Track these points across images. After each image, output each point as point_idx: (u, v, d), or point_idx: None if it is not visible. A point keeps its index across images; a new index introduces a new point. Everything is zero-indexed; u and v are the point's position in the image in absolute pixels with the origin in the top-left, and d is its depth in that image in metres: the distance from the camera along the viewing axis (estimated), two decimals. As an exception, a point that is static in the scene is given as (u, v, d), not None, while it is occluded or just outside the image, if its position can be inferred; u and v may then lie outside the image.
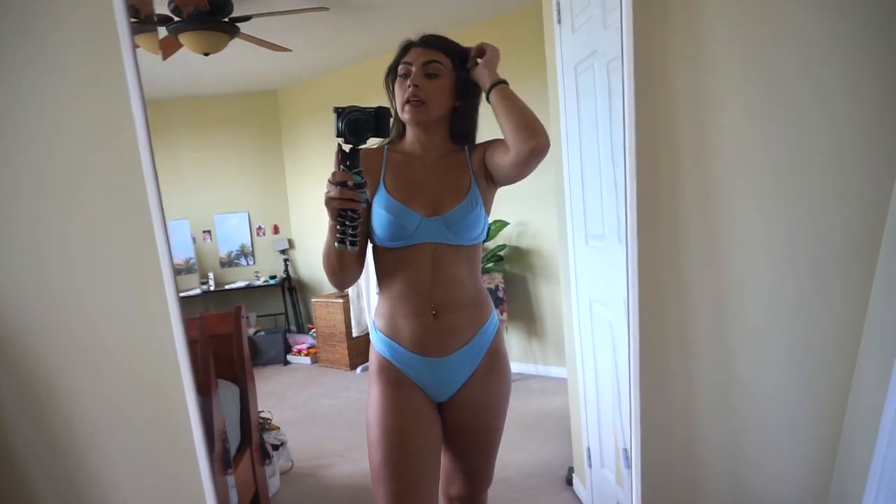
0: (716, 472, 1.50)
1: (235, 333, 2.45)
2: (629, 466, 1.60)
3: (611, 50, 1.57)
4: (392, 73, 1.37)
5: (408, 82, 1.30)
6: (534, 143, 1.18)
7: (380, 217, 1.29)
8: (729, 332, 1.44)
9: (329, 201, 1.12)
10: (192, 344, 2.23)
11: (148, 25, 2.88)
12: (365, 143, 1.12)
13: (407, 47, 1.36)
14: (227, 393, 2.40)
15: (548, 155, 1.22)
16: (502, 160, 1.27)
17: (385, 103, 1.26)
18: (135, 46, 1.27)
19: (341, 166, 1.12)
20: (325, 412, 3.84)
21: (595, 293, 1.95)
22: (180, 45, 3.09)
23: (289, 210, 5.88)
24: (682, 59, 1.39)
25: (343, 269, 1.28)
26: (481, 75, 1.31)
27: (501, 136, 1.30)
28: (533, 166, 1.23)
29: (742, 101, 1.37)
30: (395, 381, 1.34)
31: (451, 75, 1.32)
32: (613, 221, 1.70)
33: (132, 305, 1.38)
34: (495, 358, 1.39)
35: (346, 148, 1.12)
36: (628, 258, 1.35)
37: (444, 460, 1.44)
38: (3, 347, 1.35)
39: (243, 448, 2.45)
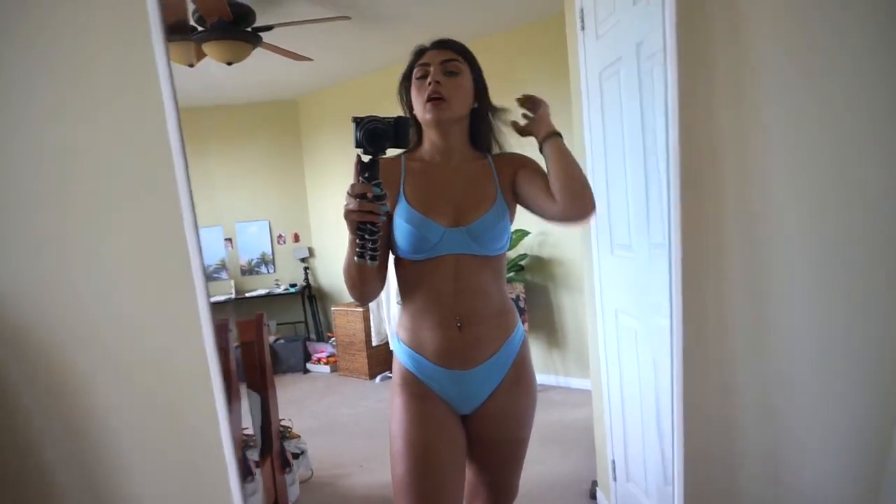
0: (757, 488, 1.44)
1: (257, 341, 2.44)
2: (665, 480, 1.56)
3: (649, 44, 1.54)
4: (406, 81, 1.35)
5: (428, 80, 1.28)
6: (582, 207, 1.23)
7: (401, 229, 1.27)
8: (772, 340, 1.37)
9: (348, 214, 1.08)
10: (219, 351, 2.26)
11: (176, 35, 2.92)
12: (384, 153, 1.10)
13: (421, 52, 1.34)
14: (247, 402, 2.40)
15: None
16: (544, 204, 1.27)
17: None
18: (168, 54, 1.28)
19: (360, 178, 1.09)
20: (345, 421, 3.82)
21: (621, 303, 1.92)
22: (204, 55, 3.12)
23: (309, 218, 5.90)
24: (723, 55, 1.33)
25: (364, 284, 1.24)
26: (537, 125, 1.32)
27: (524, 156, 1.34)
28: (573, 224, 1.29)
29: (786, 100, 1.30)
30: (418, 393, 1.31)
31: (469, 76, 1.31)
32: (642, 231, 1.66)
33: (162, 310, 1.38)
34: (521, 370, 1.36)
35: (365, 159, 1.09)
36: (671, 264, 1.30)
37: (469, 473, 1.41)
38: (28, 350, 1.35)
39: (264, 456, 2.44)
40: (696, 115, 1.35)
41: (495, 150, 1.40)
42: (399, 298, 1.37)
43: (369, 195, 1.07)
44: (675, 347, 1.32)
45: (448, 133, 1.31)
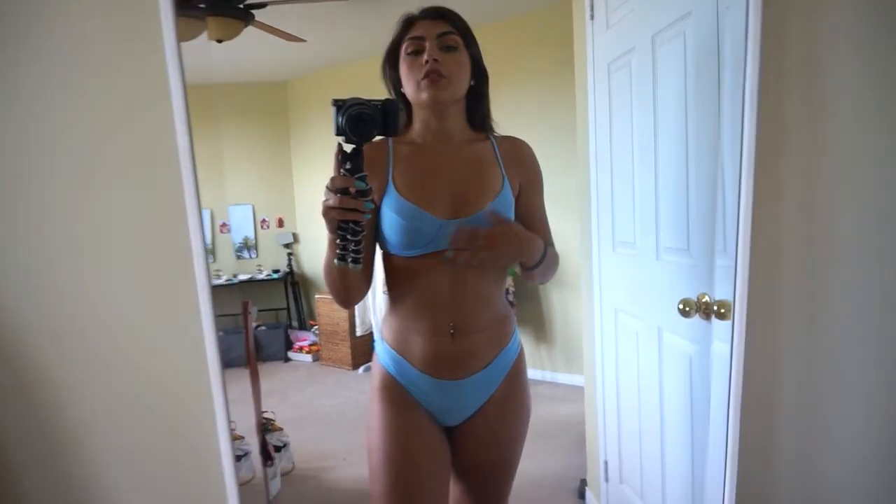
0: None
1: (244, 330, 2.37)
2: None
3: (665, 34, 1.48)
4: (392, 55, 1.19)
5: (424, 57, 1.12)
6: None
7: (390, 222, 1.12)
8: (820, 355, 1.18)
9: (327, 211, 0.95)
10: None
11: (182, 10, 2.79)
12: (370, 141, 0.96)
13: (410, 21, 1.18)
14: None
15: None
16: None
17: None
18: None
19: (342, 170, 0.94)
20: (328, 412, 3.75)
21: (622, 302, 1.87)
22: (194, 31, 3.00)
23: (294, 203, 5.79)
24: (796, 54, 1.12)
25: (347, 288, 1.12)
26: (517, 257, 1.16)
27: (532, 152, 1.26)
28: None
29: (856, 104, 1.09)
30: (399, 400, 1.19)
31: (465, 50, 1.16)
32: (649, 230, 1.61)
33: (157, 303, 1.22)
34: (515, 384, 1.24)
35: (348, 148, 0.95)
36: (737, 272, 1.12)
37: (454, 489, 1.30)
38: (8, 355, 1.23)
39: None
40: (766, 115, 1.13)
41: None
42: (386, 289, 1.25)
43: (352, 190, 0.94)
44: (736, 364, 1.15)
45: (445, 114, 1.17)
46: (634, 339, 1.76)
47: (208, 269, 1.17)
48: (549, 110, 3.75)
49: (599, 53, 1.90)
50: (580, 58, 2.06)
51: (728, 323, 1.20)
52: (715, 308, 1.27)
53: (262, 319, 5.63)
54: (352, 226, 0.96)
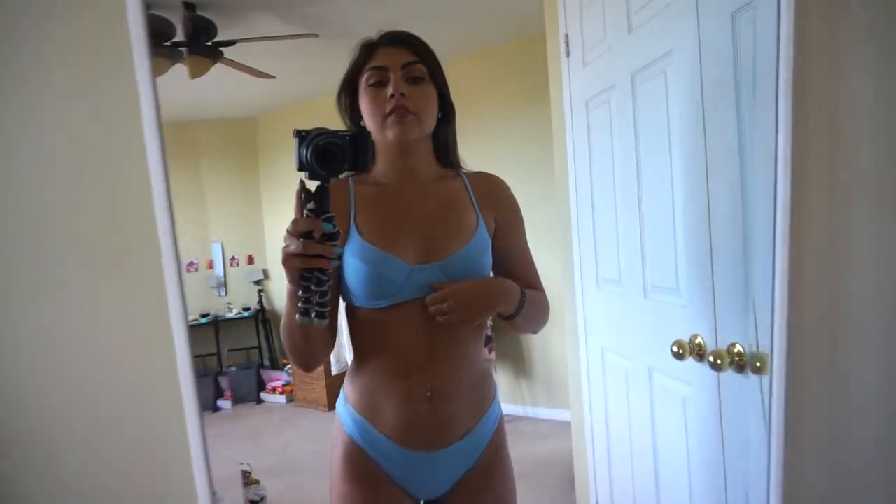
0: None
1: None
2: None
3: (646, 72, 1.47)
4: (348, 86, 1.10)
5: (389, 91, 1.02)
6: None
7: (354, 270, 1.01)
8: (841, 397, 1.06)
9: (289, 259, 0.83)
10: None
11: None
12: (336, 177, 0.87)
13: (369, 48, 1.08)
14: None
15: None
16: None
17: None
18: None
19: (304, 210, 0.84)
20: (306, 458, 3.61)
21: (608, 341, 1.83)
22: (161, 70, 2.94)
23: (265, 239, 5.68)
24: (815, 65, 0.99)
25: (309, 347, 1.01)
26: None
27: (506, 187, 1.19)
28: None
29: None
30: (366, 474, 1.06)
31: (431, 82, 1.07)
32: (635, 268, 1.59)
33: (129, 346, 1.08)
34: (498, 455, 1.13)
35: (312, 185, 0.86)
36: (774, 322, 1.00)
37: None
38: None
39: (218, 506, 2.24)
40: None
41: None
42: (352, 352, 1.12)
43: (316, 234, 0.83)
44: (777, 405, 1.02)
45: (412, 151, 1.08)
46: (623, 379, 1.72)
47: (185, 315, 1.04)
48: (522, 142, 3.76)
49: (577, 90, 1.89)
50: (556, 94, 2.06)
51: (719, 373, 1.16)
52: (736, 359, 1.17)
53: (232, 360, 5.46)
54: (317, 275, 0.85)
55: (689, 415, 1.39)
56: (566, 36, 1.94)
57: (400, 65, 1.04)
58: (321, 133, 0.85)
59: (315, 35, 3.04)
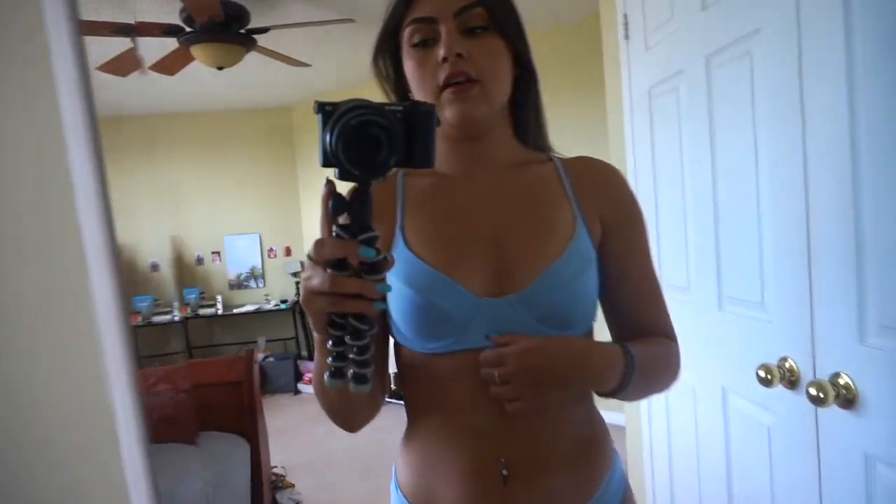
0: None
1: (247, 382, 2.17)
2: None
3: (725, 54, 1.29)
4: (387, 44, 0.80)
5: (440, 52, 0.72)
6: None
7: (398, 297, 0.73)
8: None
9: (311, 299, 0.56)
10: (187, 393, 1.99)
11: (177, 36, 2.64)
12: (383, 176, 0.55)
13: None
14: (236, 450, 2.13)
15: None
16: (625, 321, 0.83)
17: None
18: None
19: (334, 228, 0.55)
20: (340, 455, 3.54)
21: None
22: (192, 59, 2.85)
23: (302, 231, 5.63)
24: None
25: (349, 410, 0.75)
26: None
27: (623, 181, 0.84)
28: None
29: None
30: None
31: (497, 32, 0.76)
32: (708, 275, 1.41)
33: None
34: None
35: (344, 188, 0.56)
36: None
37: None
38: None
39: (253, 513, 2.17)
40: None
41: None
42: (406, 409, 0.83)
43: (353, 261, 0.55)
44: None
45: (481, 131, 0.79)
46: (691, 397, 1.56)
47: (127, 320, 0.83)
48: (572, 137, 3.55)
49: (637, 77, 1.71)
50: (613, 83, 1.88)
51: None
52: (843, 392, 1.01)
53: (270, 350, 5.45)
54: (353, 323, 0.56)
55: (776, 446, 1.22)
56: (625, 16, 1.76)
57: (452, 12, 0.73)
58: (357, 107, 0.53)
59: (351, 20, 2.91)
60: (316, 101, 0.55)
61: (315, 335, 0.63)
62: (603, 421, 0.82)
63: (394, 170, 0.61)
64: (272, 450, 3.03)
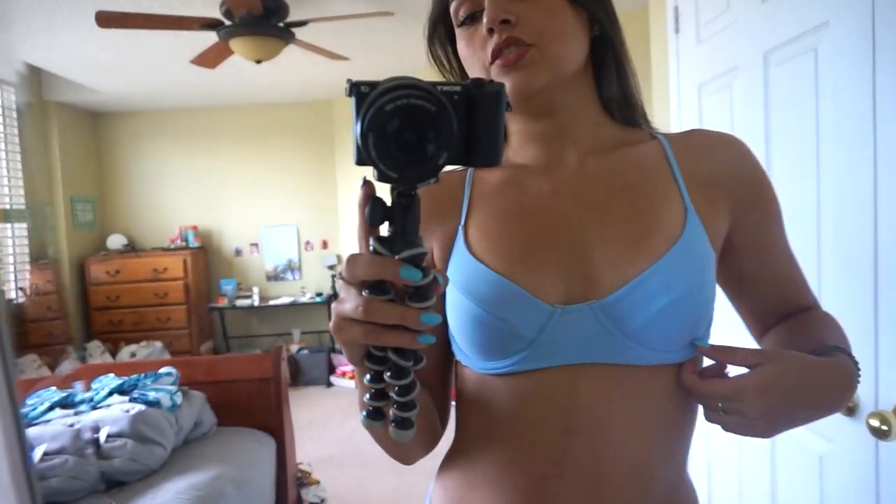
0: None
1: (274, 379, 2.16)
2: None
3: (786, 50, 1.19)
4: (439, 28, 0.70)
5: (484, 22, 0.61)
6: None
7: (456, 307, 0.63)
8: None
9: (342, 327, 0.46)
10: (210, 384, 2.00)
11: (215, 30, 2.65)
12: (435, 177, 0.43)
13: None
14: (260, 448, 2.12)
15: None
16: (766, 317, 0.71)
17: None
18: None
19: (372, 241, 0.45)
20: (370, 451, 3.52)
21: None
22: (231, 52, 2.86)
23: (339, 225, 5.63)
24: None
25: (396, 448, 0.64)
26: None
27: (752, 156, 0.68)
28: None
29: None
30: None
31: None
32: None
33: None
34: None
35: (383, 190, 0.45)
36: None
37: None
38: None
39: (278, 510, 2.16)
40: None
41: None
42: (455, 429, 0.71)
43: (396, 282, 0.44)
44: None
45: (552, 106, 0.65)
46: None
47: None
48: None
49: (687, 73, 1.61)
50: (660, 78, 1.78)
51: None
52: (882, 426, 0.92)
53: (304, 342, 5.49)
54: (393, 359, 0.46)
55: (828, 478, 1.12)
56: (676, 8, 1.65)
57: None
58: (398, 86, 0.41)
59: (390, 13, 2.86)
60: (349, 80, 0.43)
61: (356, 372, 0.51)
62: (694, 491, 0.68)
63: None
64: (300, 442, 3.04)
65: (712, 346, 0.60)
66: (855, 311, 1.02)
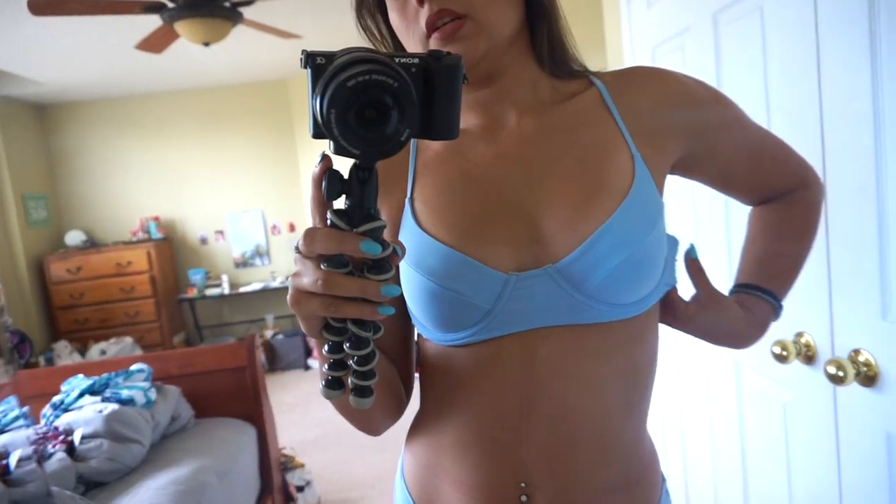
0: None
1: (250, 367, 2.15)
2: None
3: (735, 9, 1.20)
4: (364, 2, 0.69)
5: None
6: None
7: (409, 282, 0.62)
8: None
9: (300, 301, 0.46)
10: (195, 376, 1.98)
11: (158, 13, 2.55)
12: (393, 153, 0.42)
13: None
14: (241, 437, 2.11)
15: None
16: (746, 196, 0.78)
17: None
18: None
19: (329, 214, 0.44)
20: (352, 430, 3.51)
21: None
22: (177, 36, 2.76)
23: (304, 206, 5.56)
24: None
25: (360, 419, 0.66)
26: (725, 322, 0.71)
27: (680, 76, 0.68)
28: None
29: None
30: None
31: None
32: (715, 244, 1.34)
33: None
34: None
35: (340, 164, 0.45)
36: None
37: None
38: None
39: (263, 496, 2.16)
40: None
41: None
42: (420, 398, 0.72)
43: (355, 255, 0.44)
44: None
45: (494, 70, 0.63)
46: (703, 370, 1.50)
47: None
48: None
49: (640, 36, 1.62)
50: (614, 42, 1.78)
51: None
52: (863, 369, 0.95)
53: (278, 327, 5.45)
54: (353, 330, 0.46)
55: (792, 423, 1.18)
56: (626, -30, 1.65)
57: None
58: (357, 60, 0.40)
59: (340, -13, 2.79)
60: (304, 51, 0.43)
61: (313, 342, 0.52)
62: (653, 444, 0.69)
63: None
64: (283, 427, 3.04)
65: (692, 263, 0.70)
66: (809, 261, 1.05)
